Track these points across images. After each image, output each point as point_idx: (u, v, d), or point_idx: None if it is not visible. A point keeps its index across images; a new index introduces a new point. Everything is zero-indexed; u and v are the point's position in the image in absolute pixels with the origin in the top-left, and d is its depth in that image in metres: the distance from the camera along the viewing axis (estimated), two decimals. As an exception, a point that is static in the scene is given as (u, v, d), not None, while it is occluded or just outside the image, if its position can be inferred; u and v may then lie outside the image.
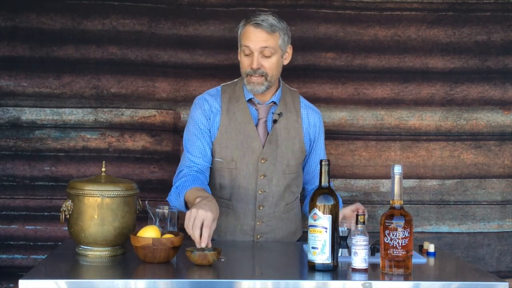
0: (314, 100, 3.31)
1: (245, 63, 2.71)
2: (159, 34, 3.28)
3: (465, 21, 3.35)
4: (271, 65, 2.71)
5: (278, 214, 2.77)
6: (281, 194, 2.76)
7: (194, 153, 2.74)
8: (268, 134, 2.76)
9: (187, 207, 2.61)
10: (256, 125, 2.76)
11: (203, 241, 2.27)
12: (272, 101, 2.79)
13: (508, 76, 3.37)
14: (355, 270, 2.19)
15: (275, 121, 2.76)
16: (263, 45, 2.67)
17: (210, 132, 2.76)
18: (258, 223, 2.74)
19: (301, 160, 2.83)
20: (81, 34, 3.25)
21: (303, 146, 2.82)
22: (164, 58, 3.29)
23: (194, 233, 2.28)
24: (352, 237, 2.22)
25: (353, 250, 2.21)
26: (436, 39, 3.35)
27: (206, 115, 2.76)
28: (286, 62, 2.80)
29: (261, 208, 2.74)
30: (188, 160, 2.74)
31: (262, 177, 2.73)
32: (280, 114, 2.77)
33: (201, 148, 2.74)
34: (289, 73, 3.30)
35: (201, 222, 2.28)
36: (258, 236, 2.75)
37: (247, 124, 2.75)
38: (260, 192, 2.73)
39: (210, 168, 2.78)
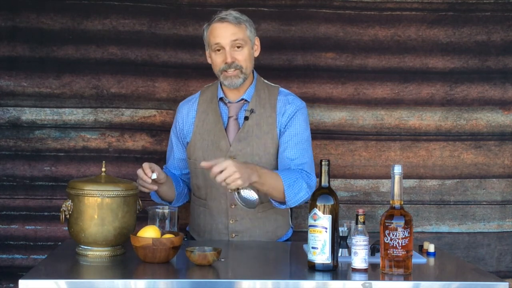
0: (314, 100, 3.32)
1: (217, 60, 2.72)
2: (159, 34, 3.28)
3: (465, 21, 3.35)
4: (244, 56, 2.71)
5: (252, 212, 2.74)
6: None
7: (169, 164, 2.95)
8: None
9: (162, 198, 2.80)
10: (227, 124, 2.77)
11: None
12: (242, 99, 2.78)
13: (508, 76, 3.37)
14: (355, 270, 2.19)
15: (246, 118, 2.75)
16: (233, 38, 2.69)
17: (180, 144, 2.88)
18: (231, 222, 2.75)
19: (276, 156, 2.77)
20: (81, 34, 3.25)
21: (277, 142, 2.76)
22: (164, 58, 3.29)
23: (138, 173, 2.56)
24: (352, 237, 2.22)
25: (353, 250, 2.21)
26: (436, 39, 3.34)
27: (178, 129, 2.87)
28: (256, 54, 2.81)
29: (233, 206, 2.73)
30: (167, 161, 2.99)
31: None
32: (251, 111, 2.76)
33: (173, 162, 2.92)
34: (289, 73, 3.31)
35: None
36: (233, 235, 2.75)
37: (217, 124, 2.77)
38: (230, 190, 2.72)
39: (189, 170, 2.88)
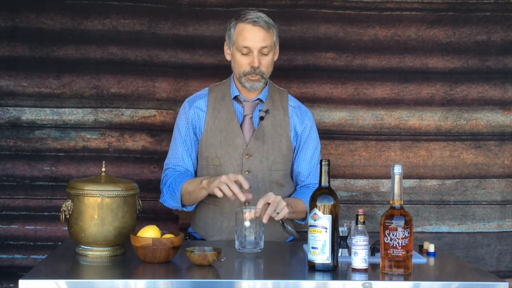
0: (314, 100, 3.32)
1: (242, 62, 2.71)
2: (159, 34, 3.28)
3: (465, 21, 3.35)
4: (268, 62, 2.73)
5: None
6: (266, 191, 2.70)
7: (175, 160, 2.83)
8: (254, 130, 2.76)
9: (183, 203, 2.74)
10: (242, 122, 2.78)
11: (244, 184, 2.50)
12: (258, 99, 2.79)
13: (508, 76, 3.37)
14: (355, 270, 2.19)
15: (261, 118, 2.77)
16: (263, 45, 2.69)
17: (193, 137, 2.81)
18: None
19: (289, 158, 2.82)
20: (81, 34, 3.25)
21: (290, 145, 2.82)
22: (164, 58, 3.29)
23: (233, 189, 2.48)
24: (352, 237, 2.22)
25: (353, 250, 2.21)
26: (436, 39, 3.35)
27: (188, 122, 2.81)
28: (275, 58, 2.82)
29: (246, 204, 2.73)
30: (171, 164, 2.84)
31: (247, 172, 2.73)
32: (266, 111, 2.78)
33: (181, 156, 2.81)
34: (289, 73, 3.30)
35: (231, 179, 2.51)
36: None
37: (231, 121, 2.77)
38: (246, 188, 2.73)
39: (197, 167, 2.84)
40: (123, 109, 3.28)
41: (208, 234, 2.80)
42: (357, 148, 3.35)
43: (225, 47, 2.81)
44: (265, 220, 2.46)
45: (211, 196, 2.77)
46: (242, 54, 2.70)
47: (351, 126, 3.34)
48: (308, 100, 3.24)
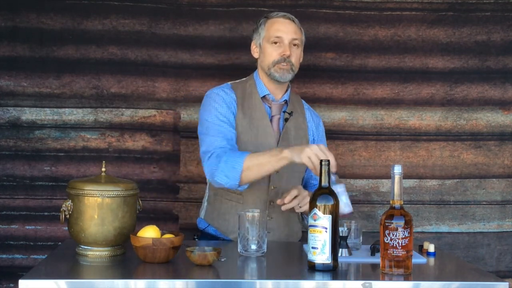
0: (314, 100, 3.32)
1: (273, 52, 2.72)
2: (159, 34, 3.28)
3: (465, 21, 3.35)
4: (297, 56, 2.76)
5: (286, 211, 2.74)
6: (289, 190, 2.72)
7: (219, 141, 2.64)
8: (280, 131, 2.77)
9: (242, 179, 2.57)
10: (270, 122, 2.77)
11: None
12: (284, 100, 2.80)
13: (508, 76, 3.37)
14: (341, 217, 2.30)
15: (286, 120, 2.78)
16: (294, 37, 2.73)
17: (233, 120, 2.71)
18: (269, 218, 2.73)
19: None
20: (81, 34, 3.26)
21: None
22: (164, 58, 3.29)
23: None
24: (332, 187, 2.25)
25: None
26: (436, 39, 3.35)
27: (228, 105, 2.72)
28: (301, 60, 2.83)
29: (272, 203, 2.74)
30: (215, 142, 2.64)
31: (275, 173, 2.73)
32: (290, 113, 2.79)
33: (229, 136, 2.66)
34: (289, 73, 3.30)
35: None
36: (267, 232, 2.74)
37: (262, 120, 2.75)
38: (272, 187, 2.74)
39: None
40: (123, 109, 3.28)
41: (229, 230, 2.76)
42: (357, 148, 3.35)
43: (253, 46, 2.81)
44: (284, 208, 2.58)
45: (233, 193, 2.73)
46: (273, 45, 2.72)
47: (351, 126, 3.35)
48: (308, 100, 3.23)
